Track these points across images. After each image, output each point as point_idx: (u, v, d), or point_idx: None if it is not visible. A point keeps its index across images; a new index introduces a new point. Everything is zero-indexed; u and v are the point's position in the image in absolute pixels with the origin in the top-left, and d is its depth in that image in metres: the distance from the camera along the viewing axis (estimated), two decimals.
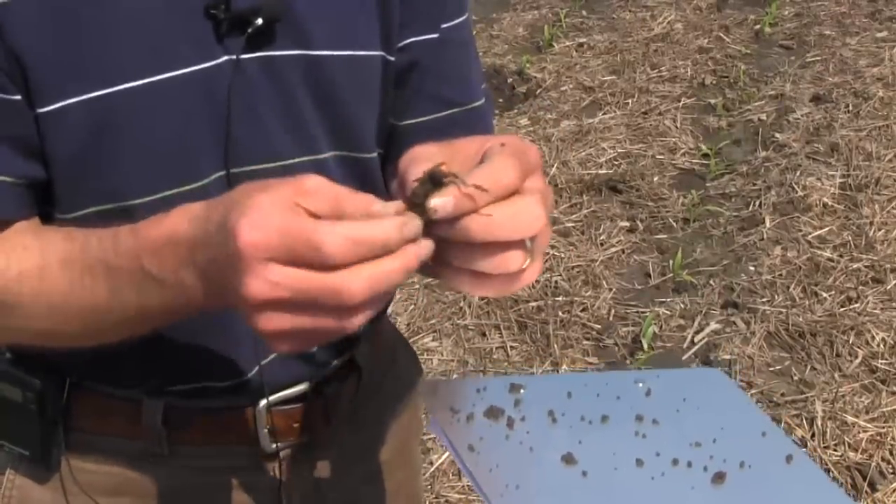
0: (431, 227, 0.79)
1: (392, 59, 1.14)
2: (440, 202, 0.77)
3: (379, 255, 0.77)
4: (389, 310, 1.32)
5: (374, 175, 1.18)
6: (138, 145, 1.01)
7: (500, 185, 0.79)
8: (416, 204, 0.79)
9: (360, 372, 1.26)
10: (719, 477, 0.92)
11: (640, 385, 1.02)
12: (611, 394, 1.00)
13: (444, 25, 1.18)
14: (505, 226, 0.79)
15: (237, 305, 0.81)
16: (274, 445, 1.19)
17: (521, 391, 0.94)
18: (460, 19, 1.20)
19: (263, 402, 1.17)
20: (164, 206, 0.91)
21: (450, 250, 0.80)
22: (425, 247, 0.79)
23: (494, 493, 0.83)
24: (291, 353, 0.83)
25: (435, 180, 0.78)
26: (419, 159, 0.82)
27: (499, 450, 0.88)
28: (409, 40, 1.15)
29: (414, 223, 0.78)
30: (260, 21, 1.01)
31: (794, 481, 0.97)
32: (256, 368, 1.14)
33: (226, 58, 1.02)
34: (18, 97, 0.97)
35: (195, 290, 0.86)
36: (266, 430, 1.18)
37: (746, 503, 0.92)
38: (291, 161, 1.08)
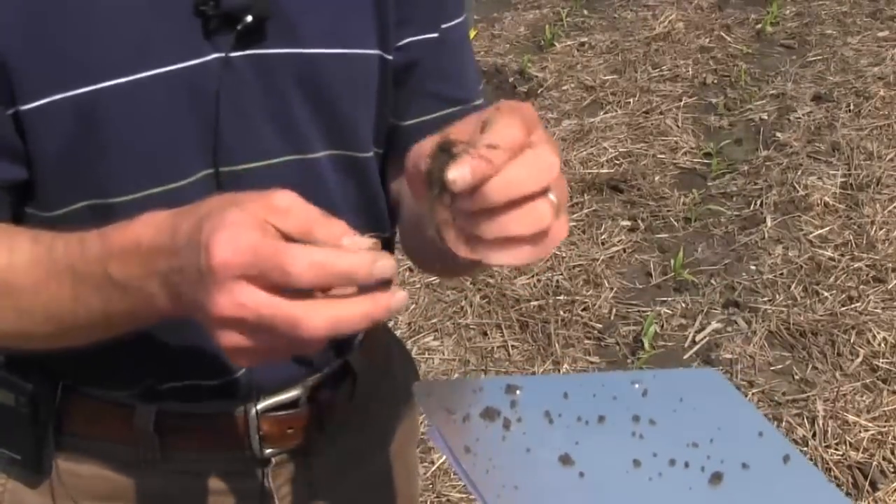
0: (455, 202, 0.78)
1: (390, 57, 1.13)
2: (458, 173, 0.76)
3: (345, 284, 0.78)
4: None
5: (371, 174, 1.17)
6: (123, 143, 1.00)
7: (509, 141, 0.77)
8: (434, 181, 0.77)
9: (355, 377, 1.25)
10: (716, 477, 0.92)
11: (637, 385, 1.01)
12: (607, 394, 0.99)
13: (444, 25, 1.18)
14: (523, 180, 0.77)
15: (200, 317, 0.81)
16: (267, 451, 1.18)
17: (518, 392, 0.94)
18: (459, 19, 1.20)
19: (256, 407, 1.16)
20: (148, 203, 0.90)
21: (481, 225, 0.79)
22: (399, 298, 0.79)
23: (491, 495, 0.82)
24: (250, 367, 0.83)
25: (446, 150, 0.77)
26: (426, 147, 0.80)
27: (495, 451, 0.88)
28: (408, 40, 1.14)
29: (388, 263, 0.78)
30: (250, 18, 1.00)
31: (792, 481, 0.96)
32: (245, 367, 1.13)
33: (214, 55, 1.01)
34: None
35: (158, 299, 0.86)
36: (259, 436, 1.17)
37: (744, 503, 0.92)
38: (280, 160, 1.08)
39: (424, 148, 0.80)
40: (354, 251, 0.79)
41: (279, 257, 0.76)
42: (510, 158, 0.77)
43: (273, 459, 1.20)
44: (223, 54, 1.01)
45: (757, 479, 0.94)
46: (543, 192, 0.79)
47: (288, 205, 0.80)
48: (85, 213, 1.02)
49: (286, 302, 0.77)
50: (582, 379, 1.07)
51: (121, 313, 0.91)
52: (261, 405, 1.16)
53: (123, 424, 1.15)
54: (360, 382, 1.26)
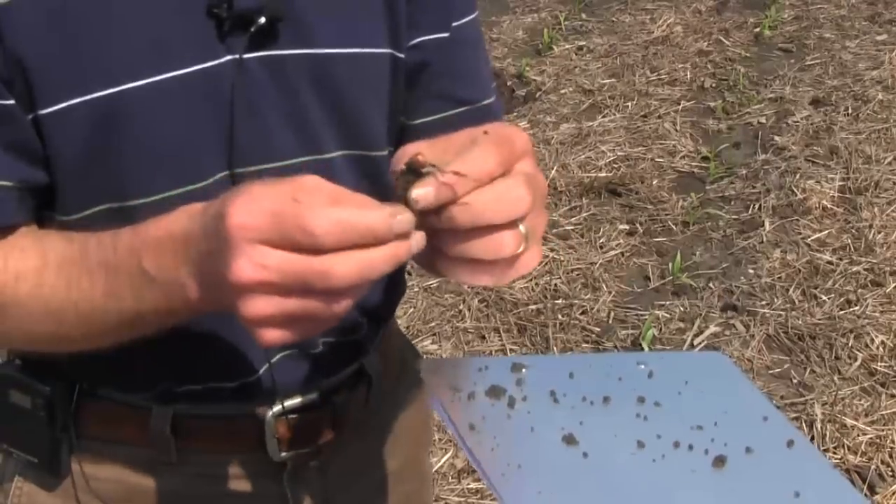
0: (420, 218, 0.79)
1: (402, 56, 1.13)
2: (421, 192, 0.78)
3: (368, 242, 0.77)
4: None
5: (385, 172, 1.17)
6: (142, 145, 1.00)
7: (478, 171, 0.79)
8: (399, 196, 0.79)
9: (370, 380, 1.25)
10: (720, 461, 0.92)
11: (643, 367, 1.01)
12: (613, 375, 0.99)
13: (455, 24, 1.18)
14: (488, 209, 0.79)
15: (227, 298, 0.80)
16: (282, 454, 1.18)
17: (523, 370, 0.94)
18: (469, 17, 1.20)
19: (272, 410, 1.16)
20: (167, 206, 0.90)
21: (444, 240, 0.81)
22: (418, 239, 0.79)
23: (495, 473, 0.82)
24: (279, 344, 0.81)
25: (414, 171, 0.79)
26: (407, 155, 0.82)
27: (500, 429, 0.88)
28: (419, 39, 1.15)
29: (406, 216, 0.78)
30: (263, 20, 1.00)
31: (795, 466, 0.96)
32: (265, 367, 1.14)
33: (228, 57, 1.01)
34: (12, 102, 0.96)
35: (189, 290, 0.86)
36: (275, 438, 1.17)
37: (747, 487, 0.92)
38: (296, 161, 1.07)
39: (402, 157, 0.81)
40: (374, 208, 0.79)
41: (300, 218, 0.76)
42: (475, 187, 0.79)
43: (289, 462, 1.20)
44: (237, 56, 1.01)
45: (760, 463, 0.94)
46: (512, 223, 0.80)
47: (315, 183, 0.80)
48: (104, 216, 1.02)
49: (311, 257, 0.76)
50: (588, 359, 1.07)
51: (152, 308, 0.91)
52: (277, 408, 1.16)
53: (140, 427, 1.15)
54: (374, 386, 1.26)
